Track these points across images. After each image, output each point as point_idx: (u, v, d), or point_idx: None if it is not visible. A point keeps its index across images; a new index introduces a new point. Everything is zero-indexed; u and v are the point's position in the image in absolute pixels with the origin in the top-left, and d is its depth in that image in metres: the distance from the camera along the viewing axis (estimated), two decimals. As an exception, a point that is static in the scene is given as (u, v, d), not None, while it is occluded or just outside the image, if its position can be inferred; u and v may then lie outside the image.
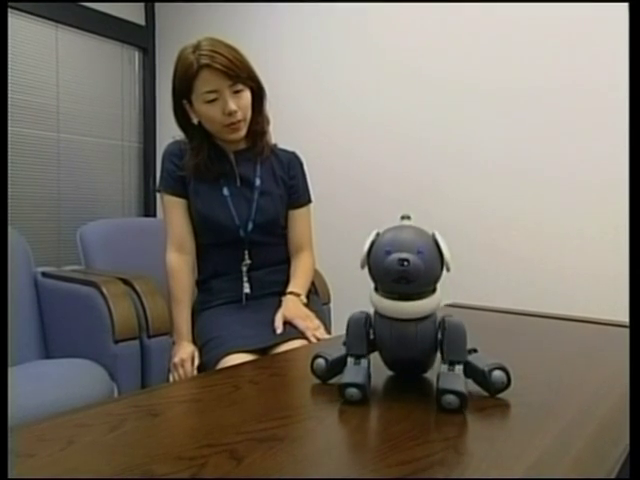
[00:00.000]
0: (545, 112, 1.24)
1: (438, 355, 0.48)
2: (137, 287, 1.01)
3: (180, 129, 1.00)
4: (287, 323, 0.89)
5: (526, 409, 0.45)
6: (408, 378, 0.53)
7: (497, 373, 0.45)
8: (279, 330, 0.87)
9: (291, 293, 0.95)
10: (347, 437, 0.42)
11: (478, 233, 1.35)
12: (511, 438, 0.40)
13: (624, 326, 0.77)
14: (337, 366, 0.50)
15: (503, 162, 1.31)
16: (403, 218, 0.48)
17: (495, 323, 0.85)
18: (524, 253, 1.28)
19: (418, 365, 0.48)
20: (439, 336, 0.47)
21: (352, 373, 0.47)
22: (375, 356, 0.51)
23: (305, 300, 0.95)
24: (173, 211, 0.99)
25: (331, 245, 1.46)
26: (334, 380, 0.50)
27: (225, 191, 0.98)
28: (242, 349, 0.81)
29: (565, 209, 1.23)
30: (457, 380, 0.44)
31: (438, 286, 0.48)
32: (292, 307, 0.91)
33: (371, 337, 0.49)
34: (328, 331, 0.92)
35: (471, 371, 0.47)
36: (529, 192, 1.28)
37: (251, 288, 0.97)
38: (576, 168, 1.21)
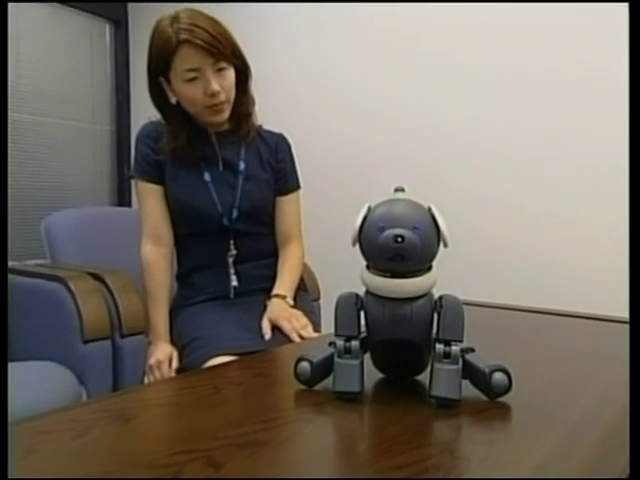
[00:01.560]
0: (551, 95, 1.25)
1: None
2: (109, 282, 1.00)
3: (156, 109, 0.98)
4: (274, 328, 0.88)
5: (527, 411, 0.45)
6: (401, 376, 0.53)
7: (498, 376, 0.45)
8: (267, 336, 0.87)
9: (277, 296, 0.95)
10: (335, 441, 0.42)
11: (478, 223, 1.36)
12: (511, 442, 0.40)
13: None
14: (323, 369, 0.49)
15: (506, 147, 1.32)
16: (397, 190, 0.48)
17: (495, 320, 0.86)
18: (528, 245, 1.29)
19: (412, 348, 0.48)
20: (435, 316, 0.47)
21: (345, 376, 0.47)
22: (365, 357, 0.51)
23: (292, 302, 0.95)
24: (148, 199, 0.98)
25: (320, 236, 1.46)
26: (321, 386, 0.50)
27: (206, 176, 0.97)
28: (229, 351, 0.80)
29: (572, 198, 1.23)
30: (449, 379, 0.44)
31: (434, 264, 0.48)
32: (277, 310, 0.91)
33: (362, 335, 0.49)
34: (317, 329, 0.92)
35: (469, 372, 0.47)
36: (533, 179, 1.29)
37: (239, 282, 0.97)
38: (584, 153, 1.21)
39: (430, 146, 1.43)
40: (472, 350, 0.49)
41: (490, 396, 0.46)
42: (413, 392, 0.50)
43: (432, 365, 0.46)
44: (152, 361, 0.91)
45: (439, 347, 0.46)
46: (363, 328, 0.50)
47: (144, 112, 1.03)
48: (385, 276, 0.46)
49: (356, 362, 0.47)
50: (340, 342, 0.48)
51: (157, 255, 0.97)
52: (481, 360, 0.47)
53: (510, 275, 1.31)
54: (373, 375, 0.53)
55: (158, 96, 0.96)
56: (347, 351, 0.47)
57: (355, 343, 0.48)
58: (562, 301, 1.00)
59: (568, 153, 1.24)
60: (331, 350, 0.49)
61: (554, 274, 1.25)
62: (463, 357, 0.47)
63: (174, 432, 0.43)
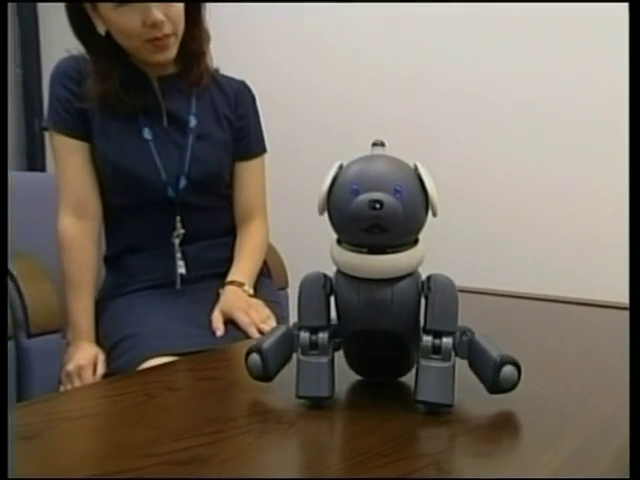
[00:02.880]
0: (567, 44, 1.25)
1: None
2: (11, 268, 0.98)
3: (79, 41, 0.94)
4: (228, 322, 0.88)
5: (534, 418, 0.46)
6: (381, 378, 0.53)
7: (508, 370, 0.45)
8: (219, 332, 0.86)
9: (232, 283, 0.94)
10: (296, 455, 0.42)
11: (476, 192, 1.37)
12: (513, 454, 0.41)
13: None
14: (278, 355, 0.49)
15: (519, 104, 1.32)
16: (375, 145, 0.47)
17: (493, 309, 0.88)
18: (546, 222, 1.31)
19: (394, 342, 0.47)
20: (422, 302, 0.47)
21: (311, 377, 0.46)
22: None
23: (251, 291, 0.95)
24: (68, 158, 0.95)
25: (289, 212, 1.45)
26: (281, 389, 0.50)
27: (146, 133, 0.95)
28: (169, 351, 0.80)
29: (605, 167, 1.24)
30: (440, 380, 0.44)
31: (421, 237, 0.47)
32: (231, 299, 0.91)
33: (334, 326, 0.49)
34: (282, 323, 0.91)
35: (474, 355, 0.47)
36: (554, 143, 1.29)
37: (186, 268, 0.96)
38: (614, 110, 1.23)
39: (427, 103, 1.43)
40: (469, 331, 0.48)
41: (492, 390, 0.46)
42: (395, 396, 0.51)
43: (418, 363, 0.46)
44: (71, 367, 0.89)
45: (426, 340, 0.46)
46: (334, 319, 0.49)
47: (59, 46, 0.99)
48: (360, 252, 0.46)
49: (324, 360, 0.47)
50: (305, 335, 0.47)
51: (79, 230, 0.95)
52: (491, 343, 0.47)
53: (512, 256, 1.34)
54: (346, 376, 0.53)
55: (80, 24, 0.92)
56: (313, 346, 0.47)
57: (323, 336, 0.47)
58: (591, 289, 1.02)
59: (583, 110, 1.25)
60: (282, 329, 0.49)
61: (580, 257, 1.27)
62: (470, 338, 0.46)
63: (93, 450, 0.42)
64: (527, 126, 1.32)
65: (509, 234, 1.35)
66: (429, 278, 0.47)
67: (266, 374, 0.49)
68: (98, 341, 0.94)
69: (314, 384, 0.47)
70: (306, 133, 1.58)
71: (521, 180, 1.33)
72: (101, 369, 0.90)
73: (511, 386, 0.46)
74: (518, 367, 0.46)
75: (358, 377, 0.54)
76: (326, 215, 0.47)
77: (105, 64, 0.92)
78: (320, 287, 0.47)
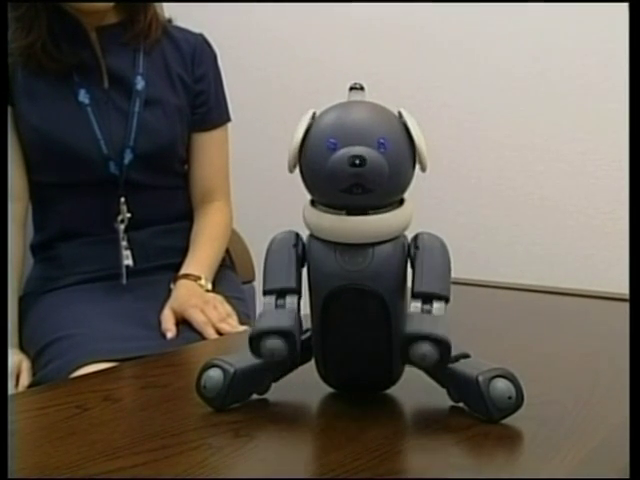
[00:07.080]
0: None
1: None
2: None
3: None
4: (181, 322, 0.89)
5: (534, 427, 0.46)
6: (361, 386, 0.53)
7: (500, 384, 0.45)
8: (170, 333, 0.87)
9: (186, 276, 0.95)
10: (253, 474, 0.42)
11: (482, 168, 1.38)
12: (508, 469, 0.42)
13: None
14: (247, 382, 0.49)
15: (527, 58, 1.34)
16: (353, 89, 0.48)
17: (497, 304, 0.89)
18: (552, 202, 1.33)
19: (374, 304, 0.47)
20: (409, 267, 0.47)
21: (271, 316, 0.46)
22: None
23: (209, 285, 0.96)
24: (-17, 125, 0.95)
25: (256, 192, 1.46)
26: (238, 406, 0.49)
27: (83, 96, 0.95)
28: (111, 357, 0.79)
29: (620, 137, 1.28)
30: (433, 321, 0.44)
31: (407, 197, 0.48)
32: (184, 295, 0.92)
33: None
34: (245, 322, 0.93)
35: (458, 387, 0.47)
36: (559, 111, 1.31)
37: (133, 258, 0.97)
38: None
39: (416, 54, 1.43)
40: (466, 357, 0.49)
41: (493, 418, 0.46)
42: (373, 404, 0.51)
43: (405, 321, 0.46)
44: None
45: (415, 306, 0.45)
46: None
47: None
48: (338, 214, 0.46)
49: (292, 308, 0.47)
50: (269, 300, 0.47)
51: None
52: (473, 366, 0.47)
53: (514, 243, 1.35)
54: (316, 388, 0.53)
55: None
56: (279, 308, 0.47)
57: (291, 300, 0.47)
58: (603, 280, 1.03)
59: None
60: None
61: (593, 243, 1.30)
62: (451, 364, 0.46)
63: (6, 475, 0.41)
64: (539, 90, 1.34)
65: (511, 218, 1.37)
66: (416, 238, 0.47)
67: (223, 399, 0.48)
68: (22, 346, 0.94)
69: (275, 320, 0.46)
70: (277, 99, 1.57)
71: (527, 154, 1.36)
72: (25, 379, 0.89)
73: (510, 406, 0.45)
74: (511, 379, 0.45)
75: (331, 390, 0.54)
76: (301, 194, 0.47)
77: (29, 10, 0.91)
78: (291, 246, 0.48)
